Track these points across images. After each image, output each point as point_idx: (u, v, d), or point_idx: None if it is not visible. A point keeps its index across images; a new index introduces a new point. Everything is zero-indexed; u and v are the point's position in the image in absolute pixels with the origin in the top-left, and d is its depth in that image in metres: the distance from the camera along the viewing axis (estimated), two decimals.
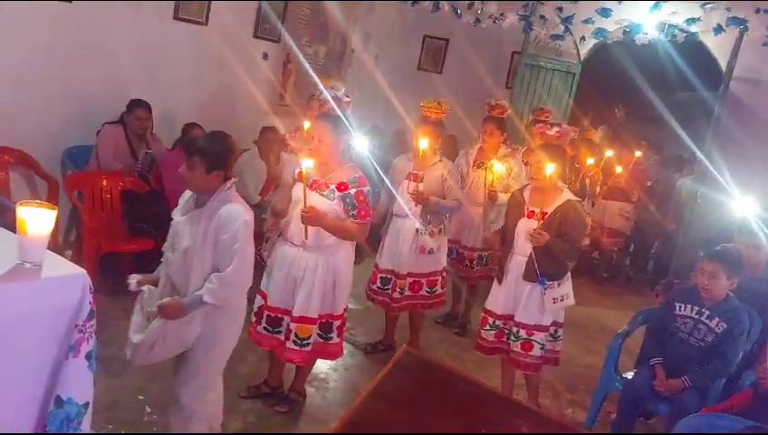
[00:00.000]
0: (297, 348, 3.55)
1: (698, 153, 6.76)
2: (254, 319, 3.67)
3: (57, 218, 1.98)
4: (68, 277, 1.99)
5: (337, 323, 3.69)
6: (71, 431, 2.00)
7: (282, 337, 3.60)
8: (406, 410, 2.09)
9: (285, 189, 3.83)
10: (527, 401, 4.09)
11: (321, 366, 4.44)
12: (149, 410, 3.57)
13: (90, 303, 2.01)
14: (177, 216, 2.99)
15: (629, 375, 4.13)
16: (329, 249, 3.54)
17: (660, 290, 4.68)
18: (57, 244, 4.93)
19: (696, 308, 3.84)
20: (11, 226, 2.00)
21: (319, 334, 3.62)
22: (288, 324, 3.57)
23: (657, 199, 7.79)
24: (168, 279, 2.98)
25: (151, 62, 5.72)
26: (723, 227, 5.40)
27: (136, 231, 5.04)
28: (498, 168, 5.01)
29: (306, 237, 3.42)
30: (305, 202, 3.33)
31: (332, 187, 3.48)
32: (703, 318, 3.80)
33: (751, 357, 3.84)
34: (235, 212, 2.84)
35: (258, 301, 3.68)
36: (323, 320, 3.62)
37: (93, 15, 5.09)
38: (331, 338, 3.69)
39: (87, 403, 2.05)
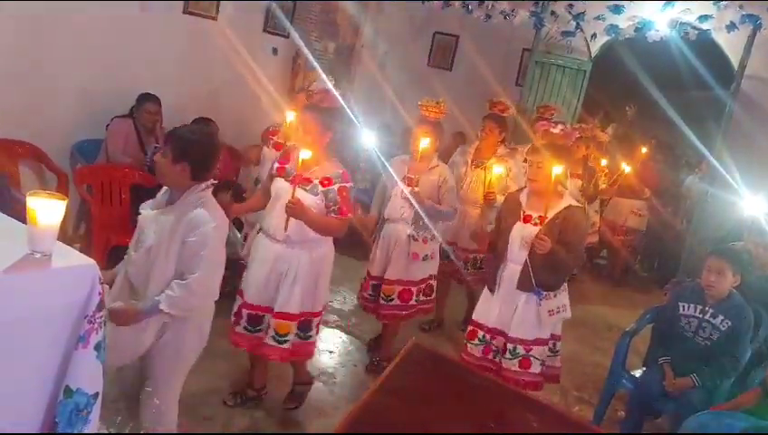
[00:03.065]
0: (275, 345, 3.44)
1: (707, 153, 6.73)
2: (232, 319, 3.54)
3: (66, 211, 1.98)
4: (78, 268, 1.98)
5: (316, 320, 3.60)
6: (80, 422, 2.00)
7: (262, 335, 3.48)
8: (414, 405, 2.08)
9: (263, 189, 3.68)
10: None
11: (329, 361, 4.45)
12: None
13: (99, 293, 2.00)
14: (145, 210, 2.77)
15: (637, 374, 4.12)
16: (312, 244, 3.43)
17: (669, 289, 4.67)
18: (66, 237, 4.94)
19: (700, 307, 3.83)
20: (21, 218, 2.00)
21: (297, 333, 3.51)
22: (269, 321, 3.46)
23: (667, 198, 7.77)
24: (126, 278, 2.76)
25: (161, 56, 5.74)
26: (733, 226, 5.38)
27: None
28: (497, 170, 4.86)
29: (286, 229, 3.30)
30: (292, 194, 3.23)
31: (316, 181, 3.36)
32: (707, 317, 3.80)
33: (760, 356, 3.83)
34: (204, 215, 2.62)
35: (237, 300, 3.56)
36: (303, 318, 3.51)
37: (103, 9, 5.10)
38: (310, 336, 3.59)
39: (96, 394, 2.05)
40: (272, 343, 3.44)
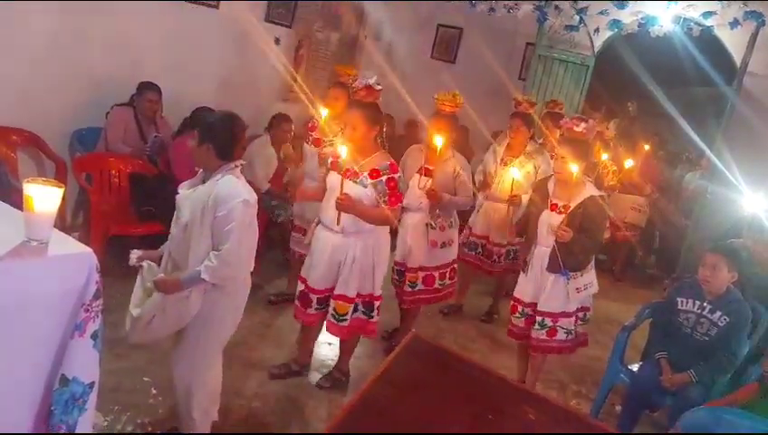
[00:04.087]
0: (335, 323, 3.78)
1: (707, 150, 6.71)
2: (298, 303, 3.88)
3: (64, 200, 1.97)
4: (75, 256, 1.98)
5: (378, 302, 3.88)
6: (76, 410, 2.00)
7: (325, 311, 3.83)
8: (413, 395, 2.09)
9: (320, 182, 3.93)
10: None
11: (330, 353, 4.44)
12: (155, 391, 3.57)
13: (96, 282, 2.00)
14: (182, 190, 2.98)
15: (635, 368, 4.12)
16: (367, 233, 3.67)
17: (669, 284, 4.67)
18: (65, 226, 4.94)
19: (698, 303, 3.84)
20: (19, 206, 1.99)
21: (363, 311, 3.84)
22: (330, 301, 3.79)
23: (668, 195, 7.76)
24: (170, 255, 2.98)
25: (162, 44, 5.71)
26: (733, 223, 5.37)
27: (144, 214, 5.04)
28: (515, 174, 5.03)
29: (338, 223, 3.56)
30: (340, 189, 3.47)
31: (365, 174, 3.56)
32: (705, 312, 3.80)
33: (757, 352, 3.83)
34: (232, 191, 2.80)
35: (299, 286, 3.88)
36: (366, 299, 3.82)
37: None
38: (373, 316, 3.88)
39: (92, 383, 2.05)
40: (332, 320, 3.79)
